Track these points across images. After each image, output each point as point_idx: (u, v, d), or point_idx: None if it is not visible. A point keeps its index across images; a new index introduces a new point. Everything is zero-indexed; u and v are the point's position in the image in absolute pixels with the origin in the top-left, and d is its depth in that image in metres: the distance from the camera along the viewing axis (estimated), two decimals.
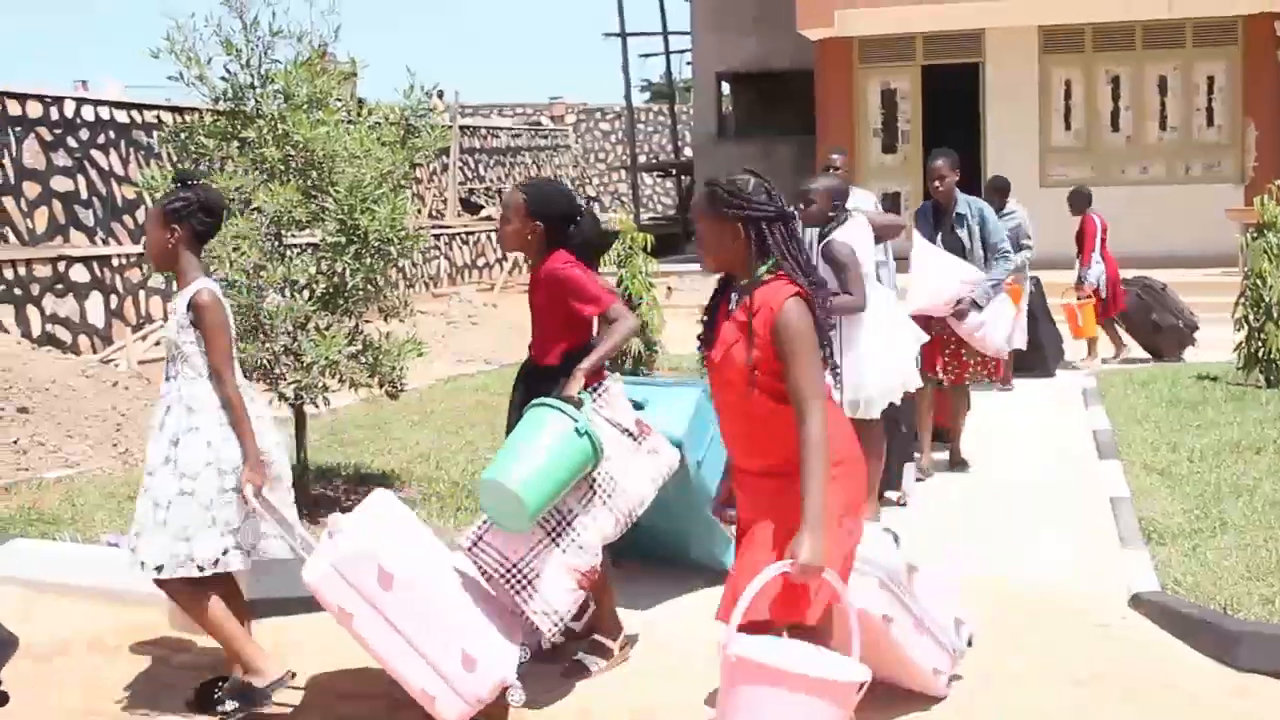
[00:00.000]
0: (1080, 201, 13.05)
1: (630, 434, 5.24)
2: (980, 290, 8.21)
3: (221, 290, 6.87)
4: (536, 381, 5.47)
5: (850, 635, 3.94)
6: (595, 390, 5.24)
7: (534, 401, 5.15)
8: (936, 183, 8.45)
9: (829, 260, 7.07)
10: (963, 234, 8.45)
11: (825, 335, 3.99)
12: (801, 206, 9.15)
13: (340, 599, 4.61)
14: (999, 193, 11.72)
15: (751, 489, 4.13)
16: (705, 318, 4.21)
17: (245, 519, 4.91)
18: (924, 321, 7.93)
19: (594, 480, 5.08)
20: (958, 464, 8.79)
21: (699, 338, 4.21)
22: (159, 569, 4.84)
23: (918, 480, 8.30)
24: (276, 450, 5.10)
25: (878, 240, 7.65)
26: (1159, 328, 13.20)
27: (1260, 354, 10.89)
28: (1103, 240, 12.79)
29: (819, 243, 7.33)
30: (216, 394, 4.93)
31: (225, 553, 4.87)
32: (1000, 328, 8.43)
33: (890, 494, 7.87)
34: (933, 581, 5.12)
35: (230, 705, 4.92)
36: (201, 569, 4.84)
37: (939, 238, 8.47)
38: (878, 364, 7.12)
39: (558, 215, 5.43)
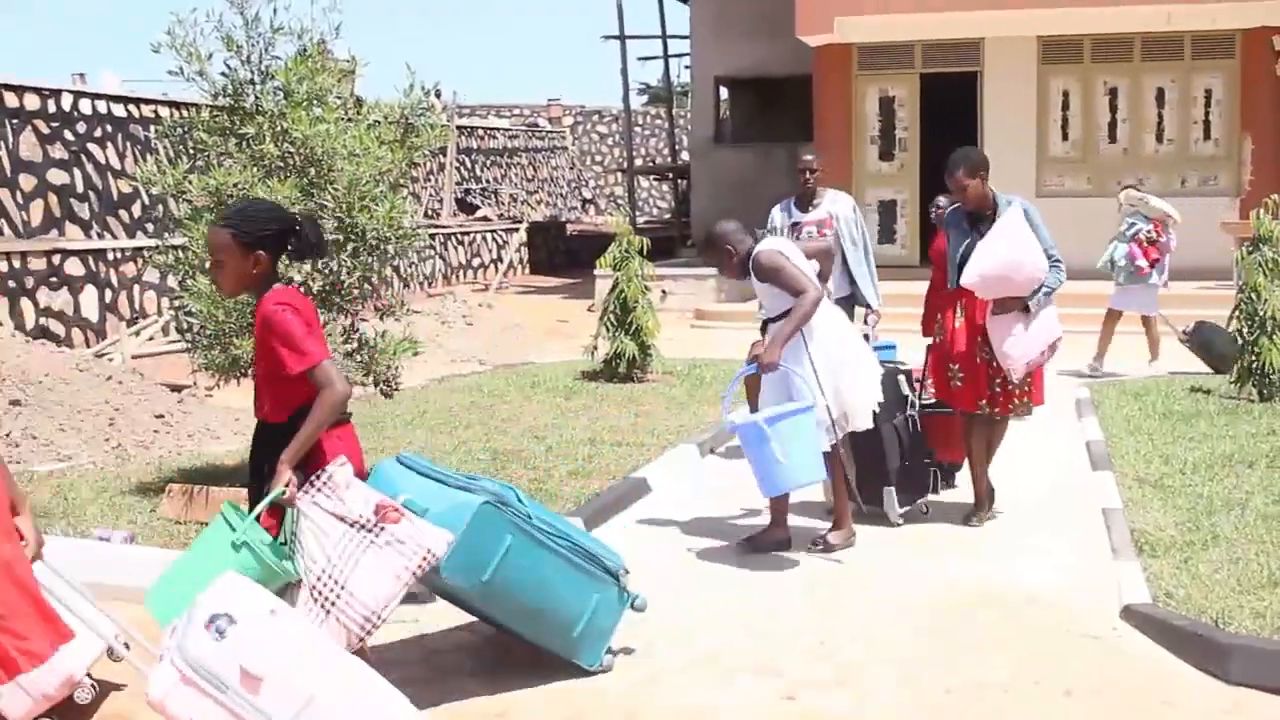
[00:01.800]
0: None
1: (364, 526, 4.44)
2: (1040, 295, 7.33)
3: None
4: (262, 443, 4.75)
5: None
6: (315, 480, 4.47)
7: (225, 503, 4.67)
8: (957, 194, 7.54)
9: (760, 276, 6.98)
10: None
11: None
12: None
13: None
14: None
15: None
16: None
17: None
18: (970, 338, 7.43)
19: (312, 588, 4.40)
20: (979, 509, 7.72)
21: None
22: None
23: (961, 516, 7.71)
24: None
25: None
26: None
27: (1254, 368, 10.90)
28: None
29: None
30: None
31: None
32: (1032, 344, 7.37)
33: (893, 515, 7.68)
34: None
35: None
36: None
37: (976, 245, 7.42)
38: (850, 374, 7.01)
39: (275, 235, 4.66)
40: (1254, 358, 10.88)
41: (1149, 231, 12.92)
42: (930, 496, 7.92)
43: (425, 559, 4.45)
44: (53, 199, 16.17)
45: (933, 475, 7.89)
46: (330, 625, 4.36)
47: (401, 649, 5.77)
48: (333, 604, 4.36)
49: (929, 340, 8.12)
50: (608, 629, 5.49)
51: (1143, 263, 12.83)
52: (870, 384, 7.11)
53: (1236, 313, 11.21)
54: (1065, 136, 20.63)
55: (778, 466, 6.72)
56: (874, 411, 7.18)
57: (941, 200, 9.48)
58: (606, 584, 5.45)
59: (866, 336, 8.99)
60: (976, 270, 7.23)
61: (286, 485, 4.42)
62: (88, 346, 14.77)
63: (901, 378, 7.90)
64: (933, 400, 7.84)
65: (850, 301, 8.91)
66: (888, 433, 7.61)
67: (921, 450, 7.83)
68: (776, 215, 8.99)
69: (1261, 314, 10.93)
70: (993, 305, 7.34)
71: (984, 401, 7.50)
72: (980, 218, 7.48)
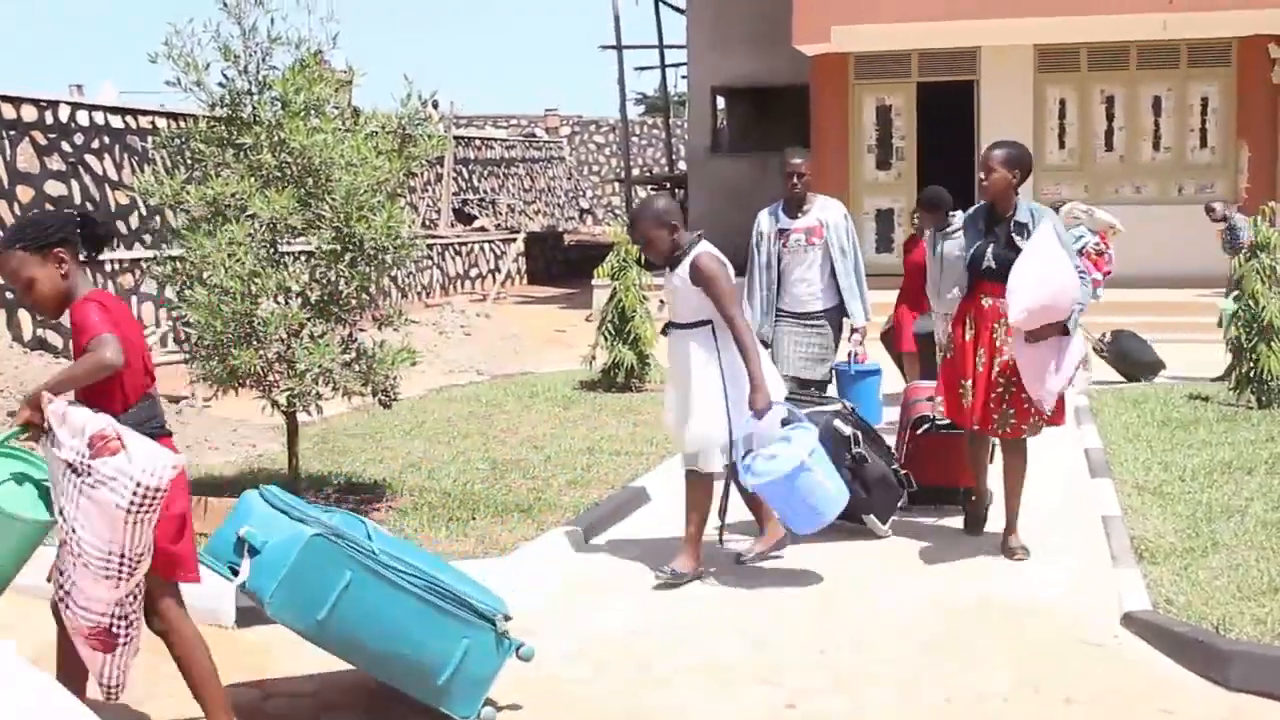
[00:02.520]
0: None
1: (75, 468, 4.23)
2: (1075, 316, 6.84)
3: (217, 296, 6.89)
4: None
5: None
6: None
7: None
8: (983, 176, 7.04)
9: (695, 278, 6.53)
10: (1021, 244, 6.85)
11: None
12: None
13: None
14: (933, 208, 9.70)
15: None
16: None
17: None
18: (977, 354, 6.99)
19: (64, 536, 4.30)
20: (1011, 548, 7.14)
21: None
22: None
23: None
24: None
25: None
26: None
27: (1252, 375, 10.91)
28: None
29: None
30: None
31: None
32: (1065, 371, 6.87)
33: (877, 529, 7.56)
34: None
35: None
36: None
37: (989, 249, 6.96)
38: (717, 407, 6.57)
39: (59, 230, 4.59)
40: (1252, 365, 10.89)
41: (1096, 243, 12.56)
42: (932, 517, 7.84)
43: (138, 493, 4.19)
44: (49, 211, 16.16)
45: (900, 477, 7.62)
46: (81, 573, 4.26)
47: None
48: (79, 550, 4.25)
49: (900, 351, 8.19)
50: (484, 678, 5.01)
51: (1098, 275, 12.21)
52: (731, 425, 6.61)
53: (1234, 320, 11.21)
54: (1062, 145, 20.67)
55: (823, 492, 6.55)
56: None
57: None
58: (478, 628, 4.96)
59: (851, 355, 9.04)
60: (1022, 305, 6.60)
61: (26, 424, 4.32)
62: None
63: (838, 421, 7.43)
64: (946, 420, 7.48)
65: (839, 313, 8.57)
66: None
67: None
68: (764, 221, 8.60)
69: (1260, 321, 10.94)
70: (1026, 334, 6.72)
71: (994, 422, 7.00)
72: (997, 219, 6.99)
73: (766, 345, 8.15)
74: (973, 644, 5.82)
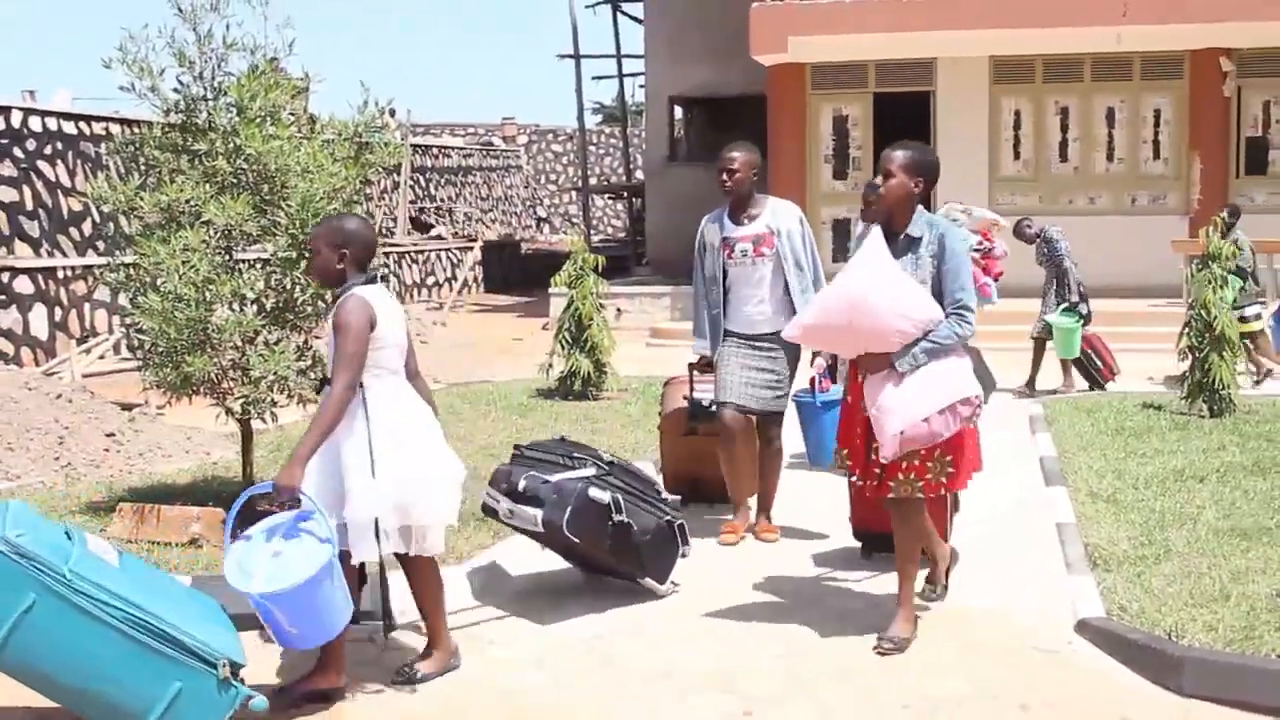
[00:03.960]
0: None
1: None
2: (916, 351, 5.63)
3: (171, 303, 6.84)
4: None
5: None
6: None
7: None
8: (879, 180, 6.02)
9: (334, 322, 5.24)
10: (906, 263, 5.78)
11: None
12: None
13: None
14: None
15: None
16: None
17: None
18: (855, 401, 5.88)
19: None
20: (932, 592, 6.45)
21: None
22: None
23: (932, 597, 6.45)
24: None
25: None
26: None
27: (1204, 384, 11.01)
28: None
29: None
30: None
31: None
32: (910, 410, 5.60)
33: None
34: None
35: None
36: None
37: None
38: (424, 473, 5.30)
39: None
40: (1204, 374, 10.99)
41: (979, 242, 11.26)
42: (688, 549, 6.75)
43: None
44: (1, 216, 16.01)
45: (678, 529, 6.61)
46: None
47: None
48: None
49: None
50: None
51: (986, 280, 10.80)
52: (446, 491, 5.41)
53: (1186, 329, 11.31)
54: (1017, 155, 20.82)
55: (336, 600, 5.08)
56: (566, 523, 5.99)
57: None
58: (193, 671, 4.54)
59: (813, 381, 7.82)
60: (800, 316, 5.93)
61: None
62: (37, 365, 14.63)
63: (594, 490, 6.28)
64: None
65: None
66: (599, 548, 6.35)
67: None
68: (706, 229, 7.63)
69: (1212, 331, 11.04)
70: (863, 361, 5.76)
71: (869, 474, 5.90)
72: (892, 235, 5.83)
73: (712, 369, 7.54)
74: (929, 651, 5.84)
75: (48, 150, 16.83)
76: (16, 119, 16.38)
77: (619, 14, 29.05)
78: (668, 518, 6.59)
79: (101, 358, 15.42)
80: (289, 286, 7.42)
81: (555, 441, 6.77)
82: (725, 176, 7.44)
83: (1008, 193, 20.57)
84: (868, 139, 21.10)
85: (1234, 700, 5.17)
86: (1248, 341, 13.01)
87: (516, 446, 6.72)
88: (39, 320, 15.20)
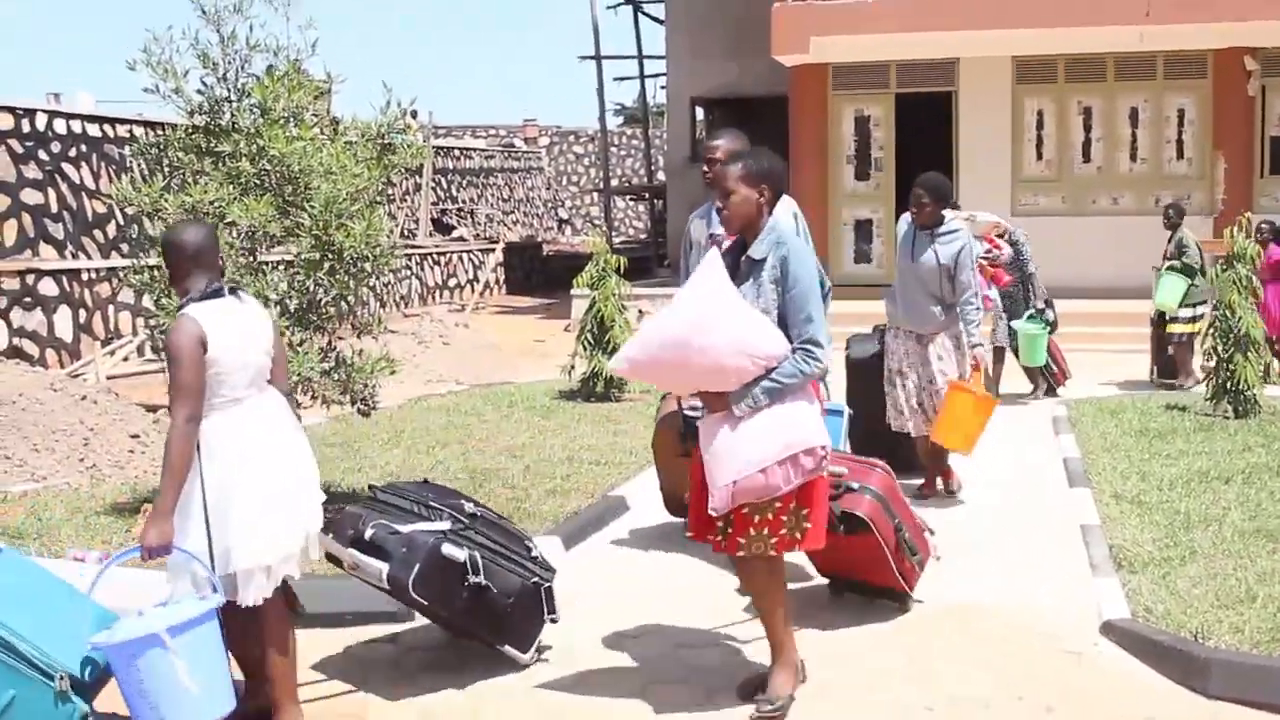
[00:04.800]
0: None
1: None
2: (756, 391, 4.94)
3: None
4: None
5: None
6: None
7: None
8: (720, 204, 5.36)
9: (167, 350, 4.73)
10: (748, 289, 5.08)
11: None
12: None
13: None
14: (939, 200, 8.41)
15: None
16: None
17: None
18: None
19: None
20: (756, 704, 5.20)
21: None
22: None
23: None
24: None
25: None
26: None
27: (1229, 385, 10.96)
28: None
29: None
30: None
31: None
32: (742, 459, 4.94)
33: None
34: None
35: None
36: None
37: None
38: (243, 515, 4.70)
39: None
40: (1229, 375, 10.94)
41: (987, 251, 11.14)
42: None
43: None
44: (26, 219, 16.09)
45: (545, 592, 5.84)
46: None
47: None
48: None
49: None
50: None
51: (990, 292, 10.78)
52: (288, 533, 4.82)
53: (1211, 330, 11.26)
54: (1040, 156, 20.74)
55: (175, 692, 4.46)
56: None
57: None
58: (29, 681, 4.38)
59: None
60: (626, 348, 5.15)
61: None
62: (62, 367, 14.69)
63: (448, 546, 5.53)
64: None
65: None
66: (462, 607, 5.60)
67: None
68: (692, 225, 7.08)
69: (1236, 331, 10.99)
70: (703, 399, 5.12)
71: (709, 527, 5.20)
72: (740, 250, 5.21)
73: None
74: (954, 652, 5.82)
75: (72, 153, 16.91)
76: (41, 122, 16.46)
77: (640, 15, 29.07)
78: (534, 579, 5.79)
79: (126, 359, 15.48)
80: (312, 288, 7.44)
81: (416, 485, 6.08)
82: (707, 167, 6.67)
83: (1030, 193, 20.50)
84: (890, 140, 21.05)
85: (1261, 702, 5.15)
86: (1195, 340, 13.01)
87: (371, 487, 6.09)
88: (64, 322, 15.27)
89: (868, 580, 6.34)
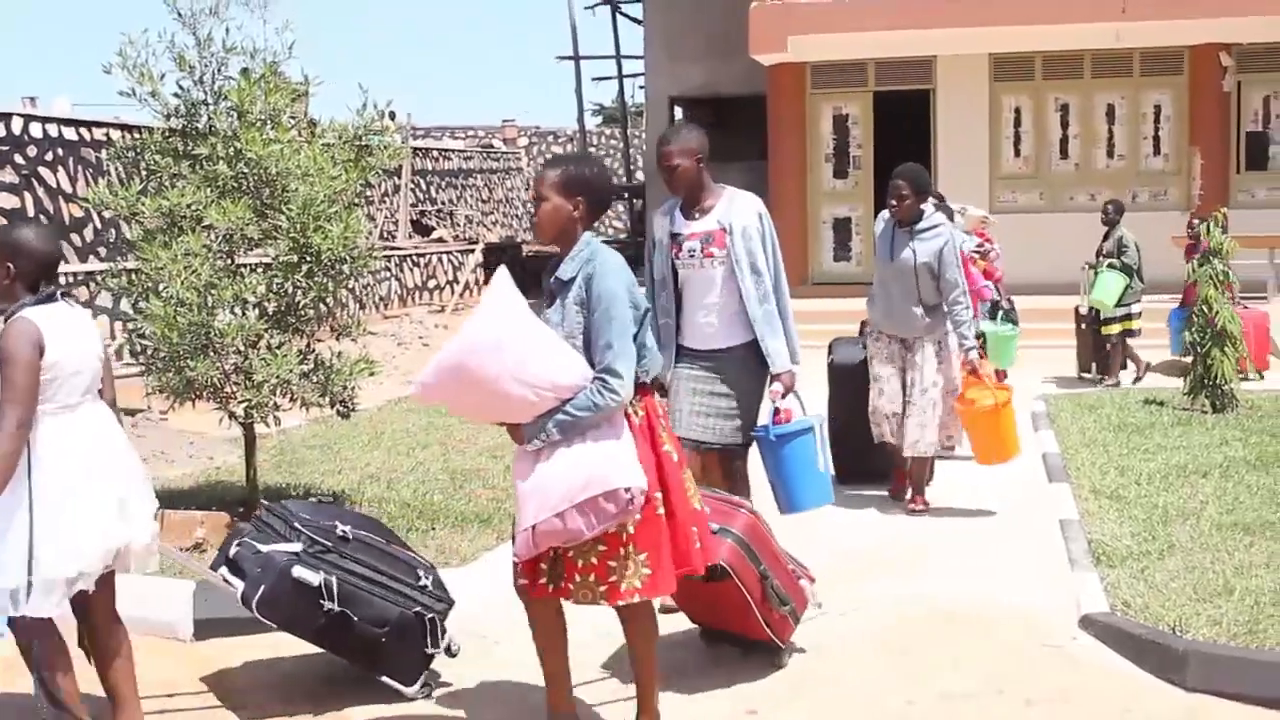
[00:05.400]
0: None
1: None
2: (548, 425, 4.49)
3: (173, 308, 6.82)
4: None
5: None
6: None
7: None
8: (532, 209, 5.09)
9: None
10: (553, 313, 4.73)
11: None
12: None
13: None
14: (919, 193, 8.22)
15: None
16: None
17: None
18: None
19: None
20: None
21: None
22: None
23: None
24: None
25: None
26: None
27: (1205, 380, 11.01)
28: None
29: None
30: None
31: None
32: (545, 496, 4.49)
33: None
34: None
35: None
36: None
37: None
38: (57, 524, 4.52)
39: None
40: (1205, 369, 10.99)
41: (979, 245, 11.24)
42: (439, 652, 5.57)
43: None
44: (2, 223, 16.03)
45: (429, 623, 5.49)
46: None
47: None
48: None
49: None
50: None
51: (985, 285, 10.71)
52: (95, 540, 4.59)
53: (1188, 325, 11.32)
54: (1018, 153, 20.79)
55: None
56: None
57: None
58: None
59: (777, 411, 6.41)
60: (423, 371, 4.69)
61: None
62: None
63: (300, 569, 5.27)
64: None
65: (755, 352, 6.28)
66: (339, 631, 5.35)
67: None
68: (657, 224, 6.50)
69: (1213, 326, 11.04)
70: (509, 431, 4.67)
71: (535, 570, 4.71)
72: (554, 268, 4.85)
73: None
74: (933, 647, 5.85)
75: (48, 156, 16.84)
76: (17, 125, 16.38)
77: (618, 15, 29.07)
78: (417, 609, 5.45)
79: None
80: (290, 290, 7.42)
81: (308, 504, 5.84)
82: (664, 174, 6.28)
83: (1009, 190, 20.56)
84: (868, 138, 21.08)
85: (1238, 694, 5.19)
86: (1128, 339, 13.14)
87: (262, 504, 5.93)
88: None
89: (735, 630, 5.70)
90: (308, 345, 7.58)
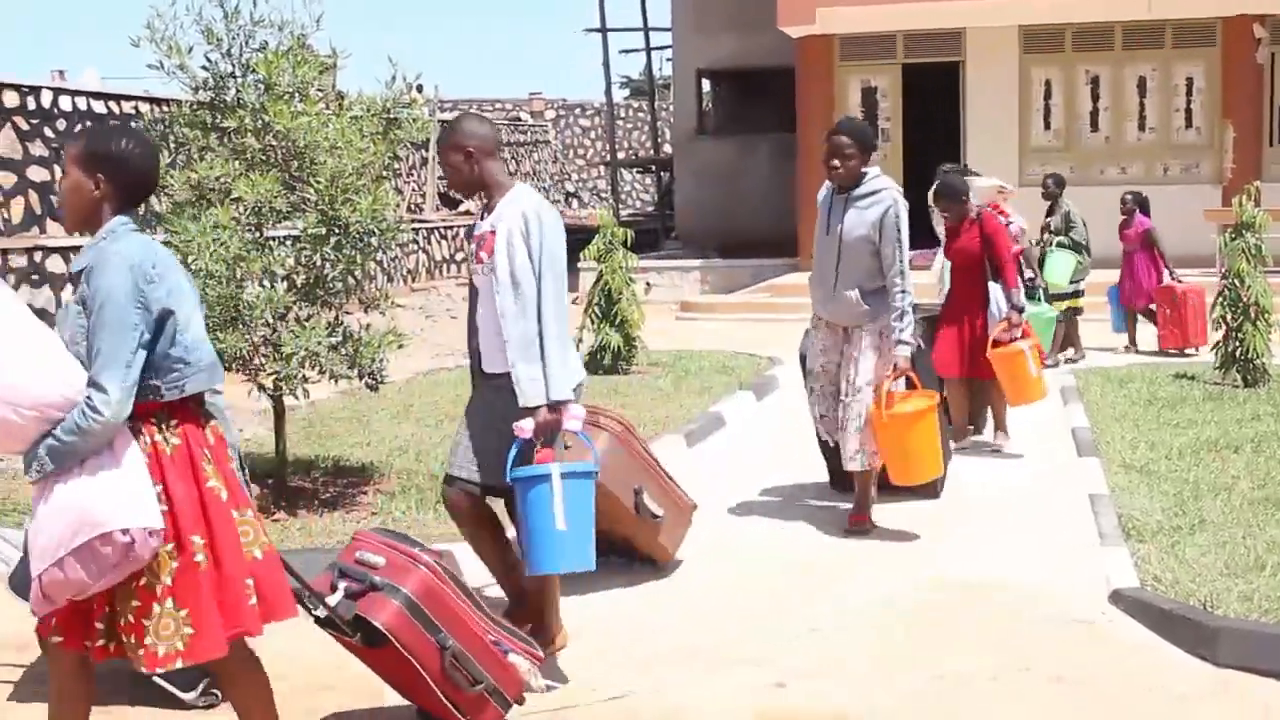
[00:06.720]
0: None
1: None
2: (40, 451, 3.72)
3: (202, 280, 6.83)
4: None
5: None
6: None
7: None
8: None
9: None
10: (59, 313, 4.20)
11: None
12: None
13: None
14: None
15: None
16: None
17: None
18: None
19: None
20: None
21: None
22: None
23: None
24: None
25: None
26: None
27: (1237, 354, 10.94)
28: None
29: None
30: None
31: None
32: (41, 550, 3.73)
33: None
34: None
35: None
36: None
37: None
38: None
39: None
40: (1238, 344, 10.92)
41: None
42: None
43: None
44: (33, 196, 16.08)
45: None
46: None
47: None
48: None
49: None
50: None
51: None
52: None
53: (1220, 299, 11.24)
54: (1048, 125, 20.68)
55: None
56: None
57: None
58: None
59: (521, 451, 5.11)
60: None
61: None
62: None
63: None
64: None
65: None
66: None
67: None
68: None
69: (1245, 300, 10.97)
70: None
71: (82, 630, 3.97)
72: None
73: None
74: (961, 623, 5.83)
75: (78, 129, 16.90)
76: (47, 99, 16.44)
77: None
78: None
79: None
80: (319, 263, 7.43)
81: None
82: (442, 167, 5.44)
83: (1038, 163, 20.43)
84: (897, 111, 21.00)
85: (1270, 670, 5.15)
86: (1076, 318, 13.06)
87: None
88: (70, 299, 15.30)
89: (422, 706, 4.70)
90: (336, 318, 7.60)
